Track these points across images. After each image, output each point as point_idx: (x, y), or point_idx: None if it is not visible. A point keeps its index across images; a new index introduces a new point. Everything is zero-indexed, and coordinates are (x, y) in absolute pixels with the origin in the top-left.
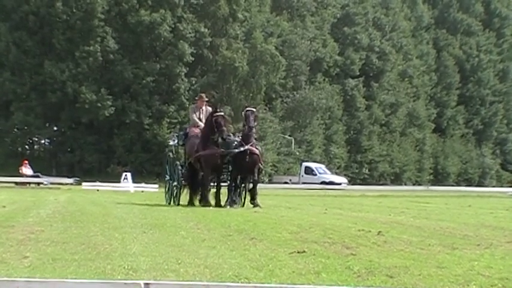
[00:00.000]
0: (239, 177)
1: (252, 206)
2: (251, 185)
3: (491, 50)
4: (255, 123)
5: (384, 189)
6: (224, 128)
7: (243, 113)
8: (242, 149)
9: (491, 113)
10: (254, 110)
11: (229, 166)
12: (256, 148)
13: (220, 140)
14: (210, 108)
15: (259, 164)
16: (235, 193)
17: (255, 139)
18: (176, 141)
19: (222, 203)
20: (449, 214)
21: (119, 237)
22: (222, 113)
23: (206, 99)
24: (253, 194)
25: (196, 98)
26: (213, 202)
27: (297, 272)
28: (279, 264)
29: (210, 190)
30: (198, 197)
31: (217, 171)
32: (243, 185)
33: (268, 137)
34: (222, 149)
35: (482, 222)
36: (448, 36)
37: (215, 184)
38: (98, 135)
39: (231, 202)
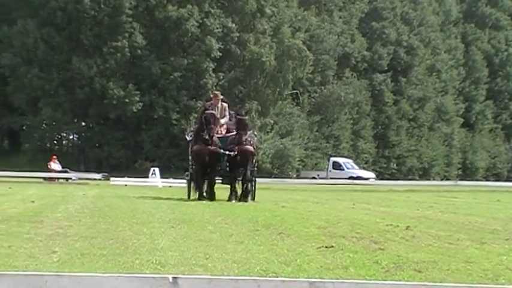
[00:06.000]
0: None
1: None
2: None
3: None
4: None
5: (412, 184)
6: (212, 126)
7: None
8: (232, 154)
9: None
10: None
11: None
12: (250, 143)
13: (207, 137)
14: (225, 105)
15: (253, 157)
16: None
17: (252, 133)
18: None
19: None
20: (477, 209)
21: (147, 232)
22: (213, 112)
23: (221, 96)
24: (245, 190)
25: (212, 96)
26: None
27: (325, 267)
28: (306, 259)
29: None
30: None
31: (208, 167)
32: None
33: (295, 131)
34: (214, 147)
35: (511, 217)
36: (477, 30)
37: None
38: (126, 130)
39: (233, 196)
